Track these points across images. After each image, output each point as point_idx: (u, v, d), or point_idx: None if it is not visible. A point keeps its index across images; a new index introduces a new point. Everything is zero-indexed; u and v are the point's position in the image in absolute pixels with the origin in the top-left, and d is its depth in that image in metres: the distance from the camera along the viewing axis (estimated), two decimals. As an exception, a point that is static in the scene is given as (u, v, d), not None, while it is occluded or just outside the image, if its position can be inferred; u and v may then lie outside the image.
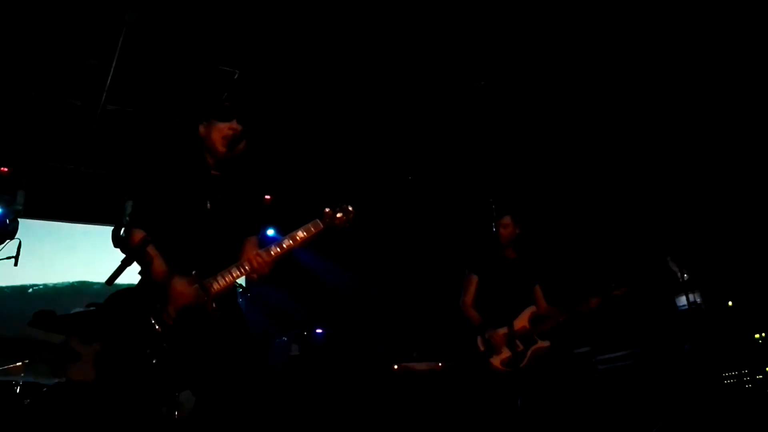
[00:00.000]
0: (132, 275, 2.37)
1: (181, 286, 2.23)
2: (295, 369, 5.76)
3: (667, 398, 4.44)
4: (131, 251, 2.24)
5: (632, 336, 5.07)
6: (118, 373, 2.23)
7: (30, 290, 6.75)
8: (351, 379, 5.63)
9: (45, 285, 6.82)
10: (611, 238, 5.95)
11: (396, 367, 5.29)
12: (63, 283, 6.92)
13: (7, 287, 6.60)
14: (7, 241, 4.53)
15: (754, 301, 4.65)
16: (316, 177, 6.77)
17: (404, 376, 5.24)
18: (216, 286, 2.30)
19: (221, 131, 2.48)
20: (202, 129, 2.55)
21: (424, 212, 7.33)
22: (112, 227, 2.41)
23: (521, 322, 3.94)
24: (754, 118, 5.02)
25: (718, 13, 4.31)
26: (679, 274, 4.72)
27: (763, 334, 4.34)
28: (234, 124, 2.49)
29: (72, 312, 4.17)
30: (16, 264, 4.40)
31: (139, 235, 2.29)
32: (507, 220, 4.12)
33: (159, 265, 2.27)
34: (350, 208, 2.52)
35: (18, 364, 3.93)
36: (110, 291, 2.31)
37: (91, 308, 4.14)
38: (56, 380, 3.79)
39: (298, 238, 2.42)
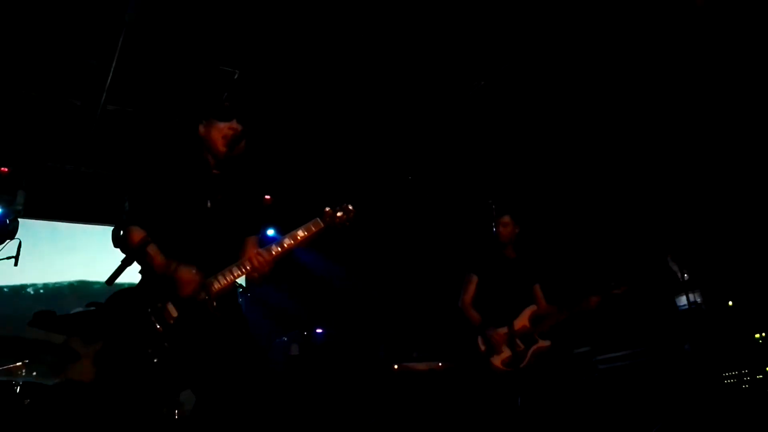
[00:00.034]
0: (133, 274, 2.37)
1: (187, 273, 2.24)
2: (295, 369, 5.76)
3: (667, 398, 4.43)
4: (131, 251, 2.25)
5: (632, 336, 5.07)
6: (119, 373, 2.23)
7: (30, 290, 6.75)
8: (351, 379, 5.63)
9: (45, 285, 6.82)
10: (611, 238, 5.95)
11: (396, 367, 5.29)
12: (63, 283, 6.92)
13: (7, 287, 6.60)
14: (7, 241, 4.53)
15: (754, 300, 4.65)
16: (316, 177, 6.77)
17: (404, 376, 5.24)
18: (217, 286, 2.31)
19: (221, 131, 2.48)
20: (202, 129, 2.55)
21: (424, 212, 7.33)
22: (112, 227, 2.41)
23: (521, 321, 3.94)
24: (754, 118, 5.02)
25: (718, 13, 4.31)
26: (679, 274, 4.72)
27: (764, 334, 4.34)
28: (234, 124, 2.49)
29: (72, 312, 4.17)
30: (16, 264, 4.40)
31: (138, 235, 2.29)
32: (506, 219, 4.12)
33: (161, 260, 2.27)
34: (350, 207, 2.52)
35: (18, 364, 3.93)
36: (111, 291, 2.31)
37: (91, 308, 4.14)
38: (56, 380, 3.79)
39: (298, 237, 2.42)
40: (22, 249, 4.41)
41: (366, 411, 5.22)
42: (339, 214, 2.49)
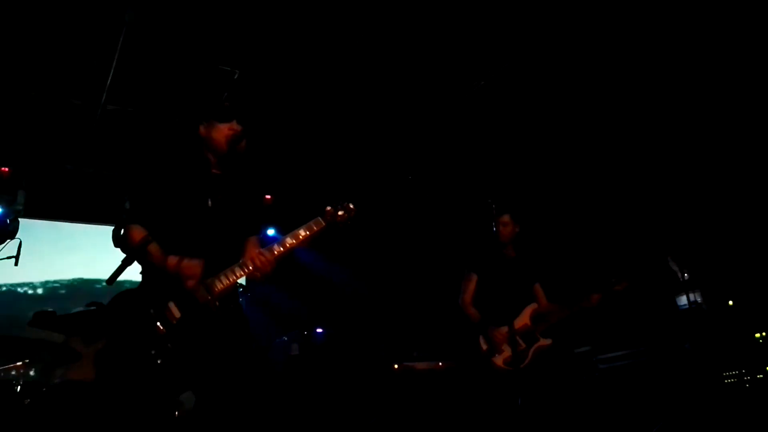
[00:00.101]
0: (134, 273, 2.37)
1: (192, 264, 2.24)
2: (295, 369, 5.76)
3: (667, 398, 4.43)
4: (132, 250, 2.25)
5: (633, 335, 5.07)
6: (121, 374, 2.22)
7: (30, 290, 6.75)
8: (351, 379, 5.62)
9: (45, 285, 6.82)
10: (611, 238, 5.95)
11: (396, 366, 5.29)
12: (63, 282, 6.92)
13: (7, 287, 6.60)
14: (8, 240, 4.53)
15: (754, 300, 4.65)
16: (316, 176, 6.77)
17: (404, 376, 5.24)
18: (219, 286, 2.30)
19: (221, 132, 2.49)
20: (202, 130, 2.56)
21: (424, 211, 7.33)
22: (113, 227, 2.41)
23: (523, 320, 3.94)
24: (754, 118, 5.02)
25: (718, 13, 4.31)
26: (679, 274, 4.72)
27: (764, 334, 4.34)
28: (234, 125, 2.50)
29: (72, 312, 4.17)
30: (16, 264, 4.40)
31: (139, 234, 2.29)
32: (506, 218, 4.12)
33: (163, 257, 2.27)
34: (351, 206, 2.52)
35: (18, 364, 3.93)
36: (111, 290, 2.31)
37: (92, 308, 4.14)
38: (56, 380, 3.78)
39: (300, 236, 2.42)
40: (22, 249, 4.40)
41: (366, 411, 5.22)
42: (340, 212, 2.49)
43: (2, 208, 5.43)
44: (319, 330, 6.21)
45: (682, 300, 4.96)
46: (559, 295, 4.12)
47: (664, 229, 5.61)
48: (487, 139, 6.17)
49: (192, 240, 2.36)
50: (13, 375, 3.88)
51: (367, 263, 7.47)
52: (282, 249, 2.39)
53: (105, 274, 2.18)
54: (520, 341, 3.86)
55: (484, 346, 3.89)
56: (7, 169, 5.73)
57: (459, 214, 6.86)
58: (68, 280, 6.94)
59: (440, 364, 5.27)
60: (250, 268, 2.34)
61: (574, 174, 6.29)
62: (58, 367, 3.83)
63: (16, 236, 4.56)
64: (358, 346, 6.54)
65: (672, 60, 4.82)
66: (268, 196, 6.71)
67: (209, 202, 2.45)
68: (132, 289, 2.35)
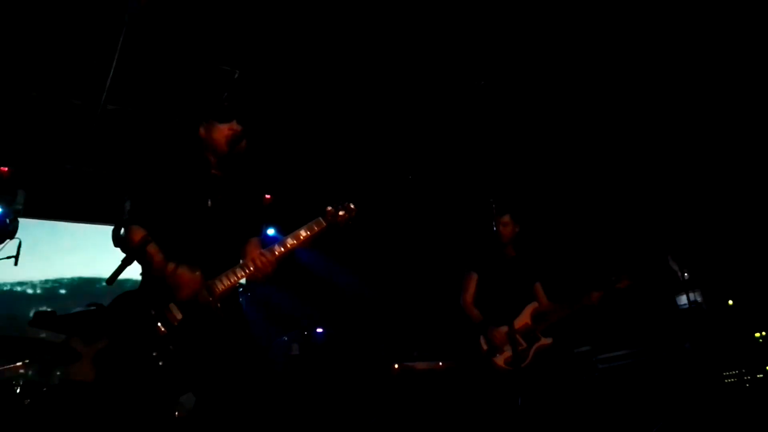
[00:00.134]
0: (136, 272, 2.37)
1: (188, 274, 2.22)
2: (296, 369, 5.75)
3: (667, 397, 4.43)
4: (132, 251, 2.24)
5: (633, 335, 5.07)
6: (122, 375, 2.22)
7: (30, 290, 6.74)
8: (351, 379, 5.62)
9: (45, 284, 6.82)
10: (611, 238, 5.95)
11: (396, 366, 5.29)
12: (63, 282, 6.91)
13: (7, 287, 6.60)
14: (7, 240, 4.53)
15: (754, 299, 4.65)
16: (316, 176, 6.77)
17: (404, 376, 5.24)
18: (220, 287, 2.30)
19: (221, 132, 2.49)
20: (202, 130, 2.56)
21: (424, 211, 7.32)
22: (113, 227, 2.41)
23: (523, 319, 3.94)
24: (754, 118, 5.02)
25: (718, 13, 4.31)
26: (679, 273, 4.72)
27: (764, 333, 4.34)
28: (234, 125, 2.50)
29: (72, 312, 4.17)
30: (16, 264, 4.40)
31: (139, 234, 2.28)
32: (506, 218, 4.12)
33: (162, 260, 2.26)
34: (352, 206, 2.52)
35: (18, 364, 3.93)
36: (111, 290, 2.30)
37: (92, 308, 4.13)
38: (56, 380, 3.78)
39: (301, 236, 2.41)
40: (22, 249, 4.40)
41: (366, 411, 5.22)
42: (341, 213, 2.48)
43: (2, 207, 5.42)
44: (319, 330, 6.21)
45: (682, 299, 4.96)
46: (559, 294, 4.12)
47: (664, 228, 5.61)
48: (487, 138, 6.16)
49: (192, 241, 2.35)
50: (13, 375, 3.88)
51: (367, 263, 7.47)
52: (283, 250, 2.38)
53: (105, 273, 2.17)
54: (521, 341, 3.86)
55: (485, 346, 3.89)
56: (6, 168, 5.73)
57: (459, 214, 6.86)
58: (68, 280, 6.94)
59: (440, 364, 5.27)
60: (252, 269, 2.34)
61: (573, 174, 6.29)
62: (58, 367, 3.83)
63: (16, 236, 4.55)
64: (358, 346, 6.55)
65: (672, 60, 4.82)
66: (267, 196, 6.70)
67: (209, 203, 2.44)
68: (133, 290, 2.34)
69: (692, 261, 4.87)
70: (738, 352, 4.34)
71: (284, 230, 2.53)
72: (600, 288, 3.86)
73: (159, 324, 2.18)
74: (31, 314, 4.12)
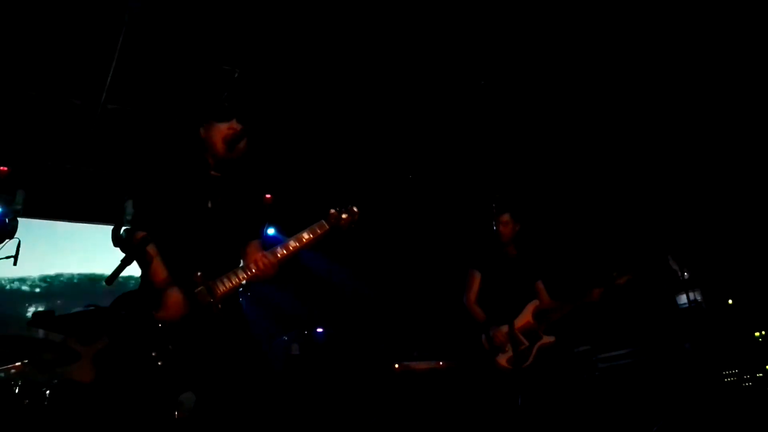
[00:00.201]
0: (138, 271, 2.37)
1: (174, 298, 2.22)
2: (296, 369, 5.75)
3: (667, 397, 4.43)
4: (131, 250, 2.24)
5: (633, 334, 5.07)
6: (122, 375, 2.22)
7: (29, 289, 6.74)
8: (351, 379, 5.62)
9: (44, 284, 6.81)
10: (611, 238, 5.95)
11: (397, 366, 5.29)
12: (62, 282, 6.91)
13: (6, 287, 6.59)
14: (7, 240, 4.52)
15: (754, 299, 4.65)
16: (316, 176, 6.76)
17: (405, 376, 5.24)
18: (222, 288, 2.30)
19: (221, 131, 2.48)
20: (202, 131, 2.55)
21: (424, 211, 7.32)
22: (112, 226, 2.40)
23: (525, 317, 3.94)
24: (754, 118, 5.02)
25: (718, 13, 4.31)
26: (679, 273, 4.72)
27: (763, 333, 4.34)
28: (233, 124, 2.48)
29: (71, 312, 4.16)
30: (15, 263, 4.39)
31: (139, 233, 2.28)
32: (506, 217, 4.11)
33: (158, 268, 2.26)
34: (355, 209, 2.51)
35: (17, 364, 3.92)
36: (111, 290, 2.30)
37: (90, 308, 4.13)
38: (56, 380, 3.78)
39: (303, 239, 2.41)
40: (21, 248, 4.39)
41: (367, 411, 5.22)
42: (344, 216, 2.47)
43: (1, 207, 5.42)
44: (320, 330, 6.21)
45: (682, 299, 4.96)
46: (561, 292, 4.12)
47: (664, 228, 5.61)
48: (487, 138, 6.16)
49: (192, 243, 2.35)
50: (13, 375, 3.87)
51: (367, 263, 7.46)
52: (285, 252, 2.38)
53: (104, 273, 2.17)
54: (523, 339, 3.86)
55: (487, 346, 3.89)
56: (6, 168, 5.72)
57: (459, 213, 6.86)
58: (67, 280, 6.94)
59: (440, 364, 5.27)
60: (254, 271, 2.33)
61: (573, 173, 6.29)
62: (58, 367, 3.82)
63: (15, 236, 4.54)
64: (358, 346, 6.54)
65: (673, 60, 4.82)
66: (267, 196, 6.69)
67: (209, 205, 2.44)
68: (134, 290, 2.34)
69: (692, 261, 4.87)
70: (738, 352, 4.34)
71: (284, 230, 2.53)
72: (601, 284, 3.86)
73: (159, 324, 2.18)
74: (30, 314, 4.11)
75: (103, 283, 2.17)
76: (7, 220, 4.90)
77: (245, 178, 2.61)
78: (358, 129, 6.03)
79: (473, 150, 6.39)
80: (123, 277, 2.19)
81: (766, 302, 4.55)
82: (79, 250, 6.89)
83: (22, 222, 5.06)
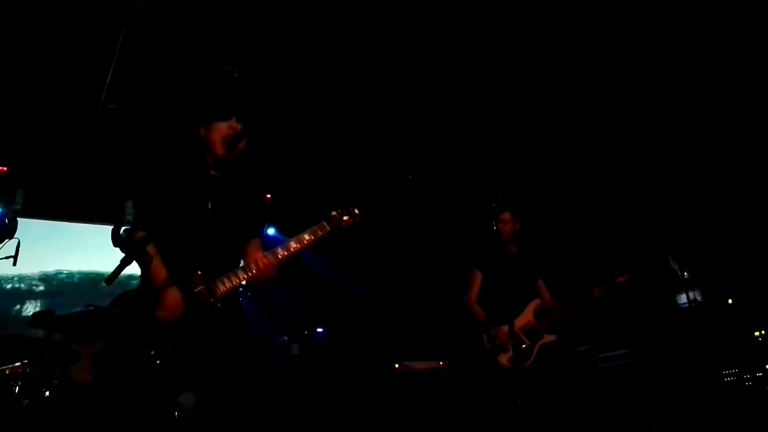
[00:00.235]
0: (138, 271, 2.37)
1: (174, 298, 2.22)
2: (296, 369, 5.75)
3: (667, 396, 4.43)
4: (131, 250, 2.23)
5: (633, 334, 5.07)
6: (121, 375, 2.22)
7: (29, 289, 6.74)
8: (352, 379, 5.62)
9: (44, 284, 6.81)
10: (611, 237, 5.95)
11: (397, 366, 5.28)
12: (62, 282, 6.91)
13: (6, 287, 6.59)
14: (6, 240, 4.51)
15: (754, 298, 4.65)
16: (316, 176, 6.76)
17: (405, 376, 5.23)
18: (222, 288, 2.29)
19: (220, 131, 2.47)
20: (202, 131, 2.55)
21: (424, 211, 7.32)
22: (112, 226, 2.40)
23: (526, 317, 3.94)
24: (754, 118, 5.02)
25: (718, 13, 4.31)
26: (679, 272, 4.72)
27: (763, 332, 4.34)
28: (233, 123, 2.48)
29: (71, 312, 4.16)
30: (15, 264, 4.39)
31: (139, 233, 2.28)
32: (506, 216, 4.11)
33: (157, 267, 2.26)
34: (356, 211, 2.51)
35: (17, 364, 3.92)
36: (111, 290, 2.30)
37: (90, 308, 4.12)
38: (56, 380, 3.78)
39: (304, 240, 2.41)
40: (21, 248, 4.39)
41: (367, 410, 5.22)
42: (345, 218, 2.47)
43: (1, 207, 5.41)
44: (320, 330, 6.21)
45: (682, 298, 4.96)
46: (562, 290, 4.12)
47: (665, 227, 5.61)
48: (486, 137, 6.16)
49: (192, 243, 2.35)
50: (13, 375, 3.87)
51: (367, 263, 7.46)
52: (286, 253, 2.37)
53: (104, 273, 2.17)
54: (524, 338, 3.86)
55: (488, 346, 3.88)
56: (6, 168, 5.72)
57: (459, 213, 6.85)
58: (67, 280, 6.93)
59: (441, 363, 5.27)
60: (254, 271, 2.33)
61: (574, 172, 6.29)
62: (58, 367, 3.82)
63: (15, 236, 4.54)
64: (358, 346, 6.54)
65: (674, 59, 4.82)
66: (268, 195, 6.68)
67: (209, 205, 2.43)
68: (133, 290, 2.34)
69: (692, 260, 4.87)
70: (738, 351, 4.34)
71: (284, 230, 2.53)
72: (602, 283, 3.86)
73: (159, 324, 2.18)
74: (30, 314, 4.11)
75: (103, 283, 2.17)
76: (6, 220, 4.90)
77: (245, 178, 2.61)
78: (358, 129, 6.03)
79: (473, 149, 6.39)
80: (124, 277, 2.19)
81: (766, 302, 4.55)
82: (79, 250, 6.89)
83: (22, 222, 5.06)
